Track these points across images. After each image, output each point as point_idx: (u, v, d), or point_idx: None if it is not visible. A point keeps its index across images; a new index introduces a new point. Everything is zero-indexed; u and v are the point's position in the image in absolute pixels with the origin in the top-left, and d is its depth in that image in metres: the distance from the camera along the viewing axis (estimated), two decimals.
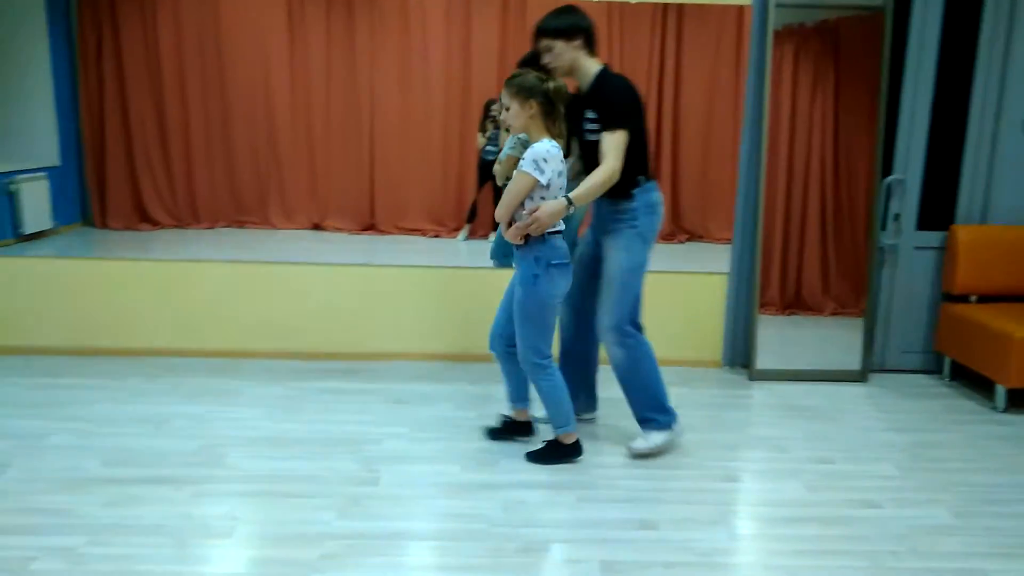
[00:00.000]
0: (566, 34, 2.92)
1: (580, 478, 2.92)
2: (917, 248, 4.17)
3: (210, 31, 7.03)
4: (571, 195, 2.85)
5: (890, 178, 4.08)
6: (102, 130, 7.05)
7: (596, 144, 2.91)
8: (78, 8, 6.82)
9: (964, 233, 4.03)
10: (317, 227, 7.34)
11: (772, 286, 4.22)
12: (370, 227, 7.36)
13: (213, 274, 4.19)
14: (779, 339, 4.20)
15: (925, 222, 4.15)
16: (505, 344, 3.09)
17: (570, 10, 2.98)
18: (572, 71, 2.98)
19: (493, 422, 3.32)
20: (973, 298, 4.06)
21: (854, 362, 4.12)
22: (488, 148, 6.83)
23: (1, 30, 6.37)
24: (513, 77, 2.83)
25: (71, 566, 2.27)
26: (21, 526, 2.48)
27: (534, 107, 2.79)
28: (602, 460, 3.07)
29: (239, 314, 4.18)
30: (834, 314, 4.27)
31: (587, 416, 3.41)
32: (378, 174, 7.31)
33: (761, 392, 3.94)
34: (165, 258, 4.61)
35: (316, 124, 7.25)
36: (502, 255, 4.43)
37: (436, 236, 7.20)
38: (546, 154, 2.78)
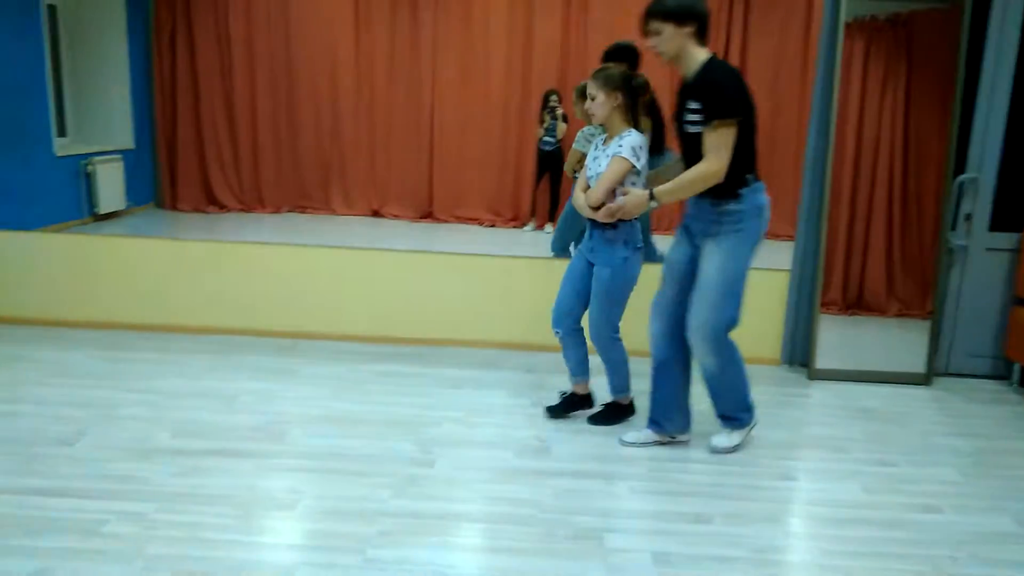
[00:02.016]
0: (678, 18, 2.70)
1: (633, 470, 2.93)
2: (988, 250, 4.04)
3: (279, 20, 7.20)
4: (657, 190, 2.83)
5: (963, 177, 3.96)
6: (174, 115, 7.29)
7: (697, 137, 2.74)
8: None
9: None
10: (376, 214, 7.46)
11: (835, 285, 4.14)
12: (428, 215, 7.45)
13: (279, 257, 4.31)
14: (840, 339, 4.12)
15: (998, 223, 4.02)
16: (573, 322, 3.19)
17: None
18: (677, 58, 2.77)
19: (551, 403, 3.38)
20: None
21: (918, 364, 4.02)
22: (546, 139, 6.82)
23: (83, 19, 6.63)
24: (601, 70, 2.95)
25: (140, 530, 2.38)
26: (95, 491, 2.60)
27: (619, 99, 2.92)
28: (656, 452, 3.07)
29: (303, 297, 4.28)
30: (898, 315, 4.17)
31: (682, 437, 3.14)
32: (437, 163, 7.39)
33: (820, 391, 3.88)
34: (233, 240, 4.75)
35: (378, 113, 7.36)
36: (561, 247, 4.44)
37: (492, 226, 7.25)
38: (643, 143, 2.94)
